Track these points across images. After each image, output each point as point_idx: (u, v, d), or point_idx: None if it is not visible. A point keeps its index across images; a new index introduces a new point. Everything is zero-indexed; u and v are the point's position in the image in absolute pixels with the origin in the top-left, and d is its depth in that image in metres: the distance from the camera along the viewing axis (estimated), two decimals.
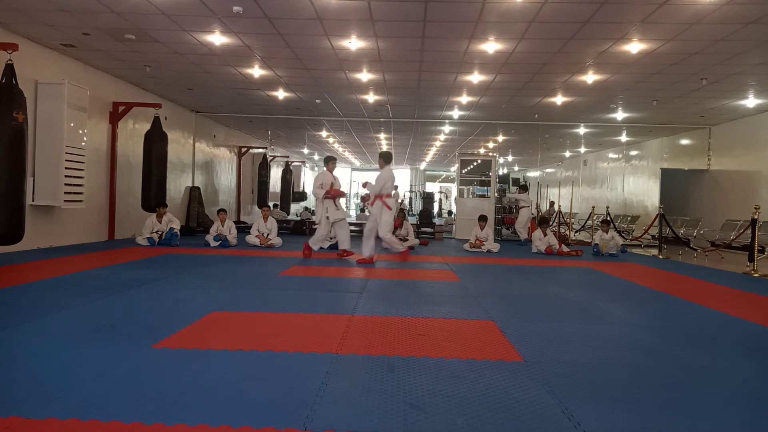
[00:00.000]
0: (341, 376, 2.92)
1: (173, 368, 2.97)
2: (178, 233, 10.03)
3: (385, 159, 8.50)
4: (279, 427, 2.23)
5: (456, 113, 13.65)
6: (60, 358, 3.08)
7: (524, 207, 13.23)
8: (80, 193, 8.66)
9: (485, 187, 14.85)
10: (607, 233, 10.68)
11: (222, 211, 10.49)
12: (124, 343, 3.41)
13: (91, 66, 9.65)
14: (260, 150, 18.69)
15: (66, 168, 8.23)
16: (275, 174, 19.66)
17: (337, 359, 3.20)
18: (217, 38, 7.88)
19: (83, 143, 8.72)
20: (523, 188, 14.29)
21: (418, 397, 2.62)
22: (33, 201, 7.93)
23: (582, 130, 15.80)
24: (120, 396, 2.53)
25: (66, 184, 8.25)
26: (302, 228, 14.28)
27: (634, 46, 7.67)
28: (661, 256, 10.69)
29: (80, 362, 3.01)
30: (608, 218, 12.02)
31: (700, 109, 11.90)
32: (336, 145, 21.55)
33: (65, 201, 8.30)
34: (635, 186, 17.67)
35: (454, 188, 18.50)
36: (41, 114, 8.09)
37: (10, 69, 6.45)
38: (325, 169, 9.02)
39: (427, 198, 20.72)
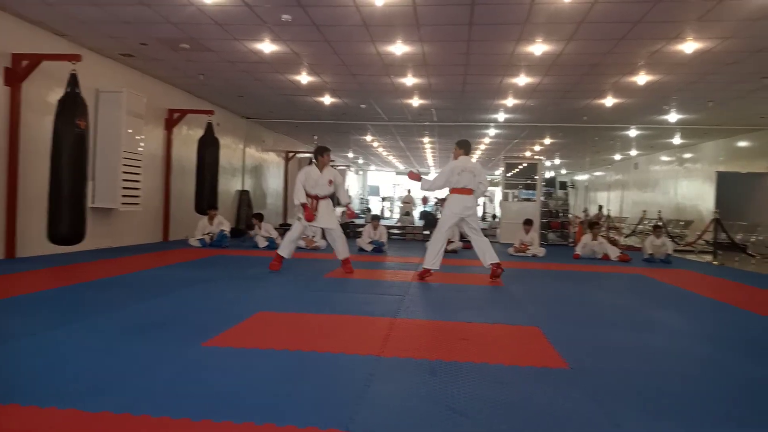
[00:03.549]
0: (383, 378, 2.95)
1: (221, 366, 3.06)
2: (228, 235, 10.32)
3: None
4: (322, 427, 2.26)
5: (501, 116, 13.50)
6: (115, 354, 3.23)
7: None
8: (137, 197, 9.03)
9: (531, 191, 14.61)
10: (658, 239, 10.33)
11: (255, 216, 10.93)
12: (175, 340, 3.54)
13: (148, 75, 10.07)
14: (307, 154, 19.00)
15: (124, 172, 8.59)
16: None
17: (380, 361, 3.23)
18: (266, 46, 8.09)
19: (140, 149, 9.08)
20: None
21: (460, 402, 2.61)
22: (93, 204, 8.32)
23: (633, 133, 15.33)
24: (170, 392, 2.62)
25: (123, 188, 8.61)
26: (346, 231, 14.39)
27: (689, 46, 7.40)
28: (715, 263, 10.24)
29: (134, 359, 3.14)
30: (660, 223, 11.61)
31: (761, 110, 11.34)
32: (380, 149, 21.68)
33: (123, 204, 8.66)
34: (689, 190, 16.99)
35: (498, 191, 18.27)
36: (101, 121, 8.49)
37: (73, 79, 6.81)
38: (314, 163, 7.02)
39: None
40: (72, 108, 6.73)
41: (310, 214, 6.74)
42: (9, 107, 6.98)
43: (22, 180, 7.14)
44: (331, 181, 6.87)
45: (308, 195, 6.81)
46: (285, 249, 7.00)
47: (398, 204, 27.29)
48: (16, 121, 7.02)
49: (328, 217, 6.94)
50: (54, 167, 6.74)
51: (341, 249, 7.05)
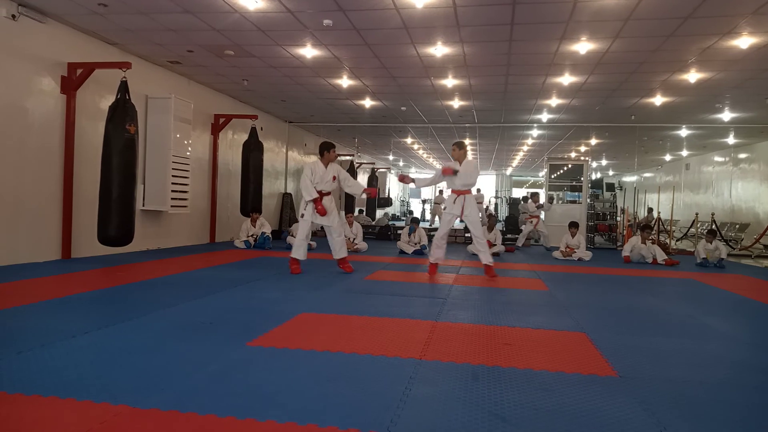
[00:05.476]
0: (425, 381, 2.93)
1: (265, 366, 3.11)
2: (270, 237, 10.49)
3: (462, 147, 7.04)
4: (363, 429, 2.26)
5: (545, 116, 13.26)
6: (164, 352, 3.32)
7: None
8: (185, 199, 9.31)
9: (576, 193, 14.29)
10: (711, 243, 9.91)
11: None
12: (221, 340, 3.62)
13: (194, 81, 10.37)
14: (347, 157, 19.14)
15: (172, 176, 8.88)
16: (361, 180, 20.06)
17: (421, 365, 3.21)
18: (308, 51, 8.20)
19: (188, 153, 9.36)
20: (535, 196, 13.49)
21: (503, 408, 2.57)
22: (143, 206, 8.62)
23: (684, 132, 14.79)
24: (216, 391, 2.68)
25: (172, 191, 8.89)
26: (387, 233, 14.44)
27: (744, 41, 7.08)
28: None
29: (181, 357, 3.22)
30: (714, 227, 11.14)
31: None
32: (421, 152, 21.63)
33: (172, 206, 8.95)
34: (744, 191, 16.26)
35: (542, 194, 17.97)
36: (150, 126, 8.80)
37: (124, 86, 7.08)
38: (318, 159, 7.03)
39: (514, 204, 20.24)
40: (122, 114, 7.00)
41: (322, 208, 6.80)
42: (65, 114, 7.32)
43: (77, 184, 7.46)
44: (335, 177, 6.91)
45: None
46: (298, 251, 6.90)
47: (431, 205, 27.05)
48: (71, 127, 7.35)
49: (330, 214, 6.93)
50: (104, 171, 7.01)
51: (338, 248, 7.06)
